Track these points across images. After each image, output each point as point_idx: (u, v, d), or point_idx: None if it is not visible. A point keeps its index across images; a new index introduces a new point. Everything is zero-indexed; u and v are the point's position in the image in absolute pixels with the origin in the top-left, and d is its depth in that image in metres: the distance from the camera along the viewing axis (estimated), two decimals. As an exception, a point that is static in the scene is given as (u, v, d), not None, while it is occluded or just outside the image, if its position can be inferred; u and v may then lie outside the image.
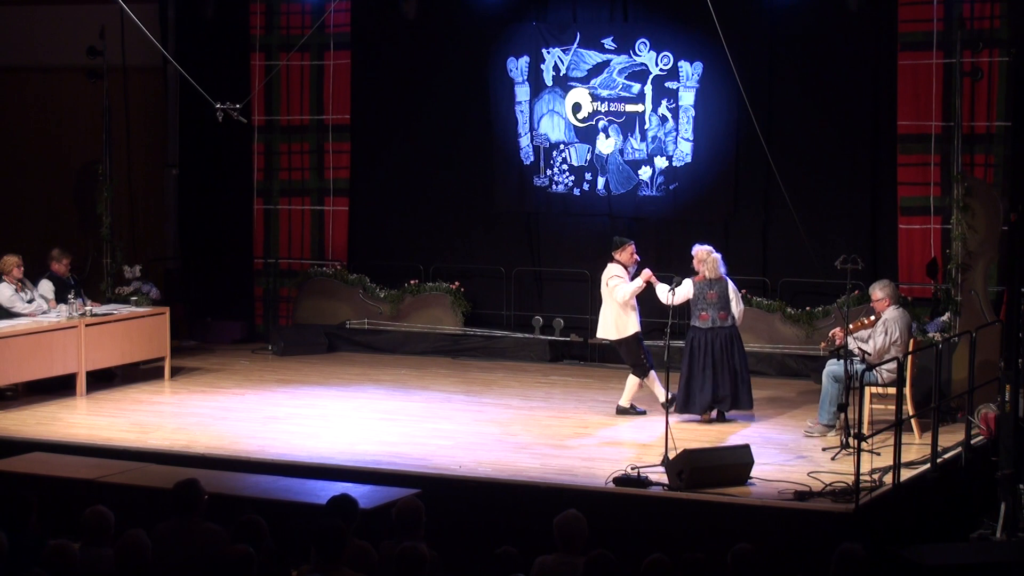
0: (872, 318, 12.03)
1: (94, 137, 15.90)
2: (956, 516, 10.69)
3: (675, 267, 14.36)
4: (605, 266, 13.07)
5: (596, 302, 15.60)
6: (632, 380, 12.83)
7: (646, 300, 15.81)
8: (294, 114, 16.96)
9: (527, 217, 16.28)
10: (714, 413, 12.47)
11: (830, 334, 12.25)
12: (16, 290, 13.68)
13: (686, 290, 12.41)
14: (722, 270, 12.55)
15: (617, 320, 12.84)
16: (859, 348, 11.71)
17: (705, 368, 12.34)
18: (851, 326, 11.76)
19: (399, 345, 16.16)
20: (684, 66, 15.40)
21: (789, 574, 8.60)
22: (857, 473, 9.62)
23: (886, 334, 11.78)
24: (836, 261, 11.84)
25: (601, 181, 15.82)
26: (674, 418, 11.68)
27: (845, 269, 11.59)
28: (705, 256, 12.56)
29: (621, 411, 12.85)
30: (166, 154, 17.65)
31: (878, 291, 12.06)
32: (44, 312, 13.64)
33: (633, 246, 12.99)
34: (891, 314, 11.89)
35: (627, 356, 12.88)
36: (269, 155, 17.09)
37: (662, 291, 12.55)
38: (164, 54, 15.67)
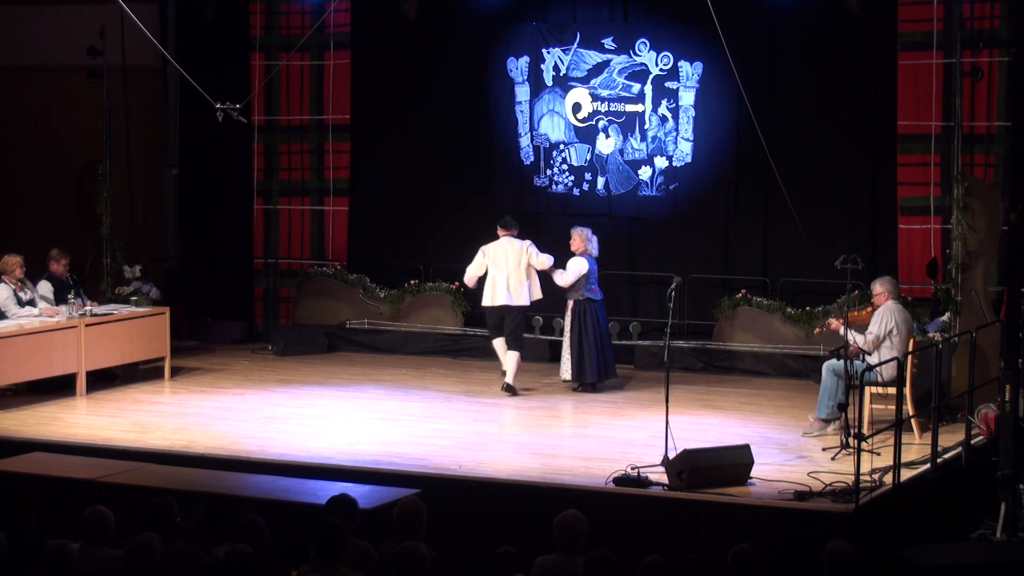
0: (870, 310, 12.08)
1: (94, 137, 15.88)
2: (956, 516, 10.69)
3: (675, 267, 14.39)
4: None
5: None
6: (514, 355, 13.78)
7: (647, 302, 15.88)
8: (294, 114, 16.96)
9: (527, 217, 16.23)
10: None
11: (827, 322, 12.32)
12: (16, 291, 13.67)
13: (584, 267, 13.66)
14: (597, 250, 13.89)
15: (522, 287, 13.81)
16: (854, 341, 11.72)
17: (603, 336, 13.76)
18: (849, 315, 11.81)
19: (399, 345, 16.16)
20: (684, 66, 15.40)
21: (789, 574, 8.60)
22: (857, 473, 9.62)
23: (882, 324, 11.79)
24: (836, 261, 11.85)
25: (601, 181, 15.82)
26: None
27: (845, 269, 11.59)
28: (589, 236, 13.85)
29: (508, 389, 13.75)
30: (166, 154, 17.65)
31: (878, 286, 12.09)
32: (36, 316, 13.60)
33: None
34: (889, 306, 11.90)
35: (515, 324, 13.85)
36: (269, 155, 17.09)
37: (559, 275, 13.85)
38: (164, 54, 15.66)
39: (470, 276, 14.02)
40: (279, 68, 16.44)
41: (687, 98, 15.43)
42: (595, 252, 13.88)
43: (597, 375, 13.76)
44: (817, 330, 13.00)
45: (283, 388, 14.11)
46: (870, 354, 11.82)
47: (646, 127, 15.60)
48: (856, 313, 12.13)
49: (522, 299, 13.79)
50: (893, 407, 10.62)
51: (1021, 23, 13.96)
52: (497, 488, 10.30)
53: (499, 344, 13.96)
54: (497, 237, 13.93)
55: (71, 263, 14.42)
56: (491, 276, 13.82)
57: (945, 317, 13.19)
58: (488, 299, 13.84)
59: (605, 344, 13.81)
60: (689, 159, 15.50)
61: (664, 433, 10.56)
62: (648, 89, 15.55)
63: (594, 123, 15.82)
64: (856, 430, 10.32)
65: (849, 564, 7.10)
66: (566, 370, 13.88)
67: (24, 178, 17.98)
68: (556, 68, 15.91)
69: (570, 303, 13.87)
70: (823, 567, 7.16)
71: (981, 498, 10.70)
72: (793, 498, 9.81)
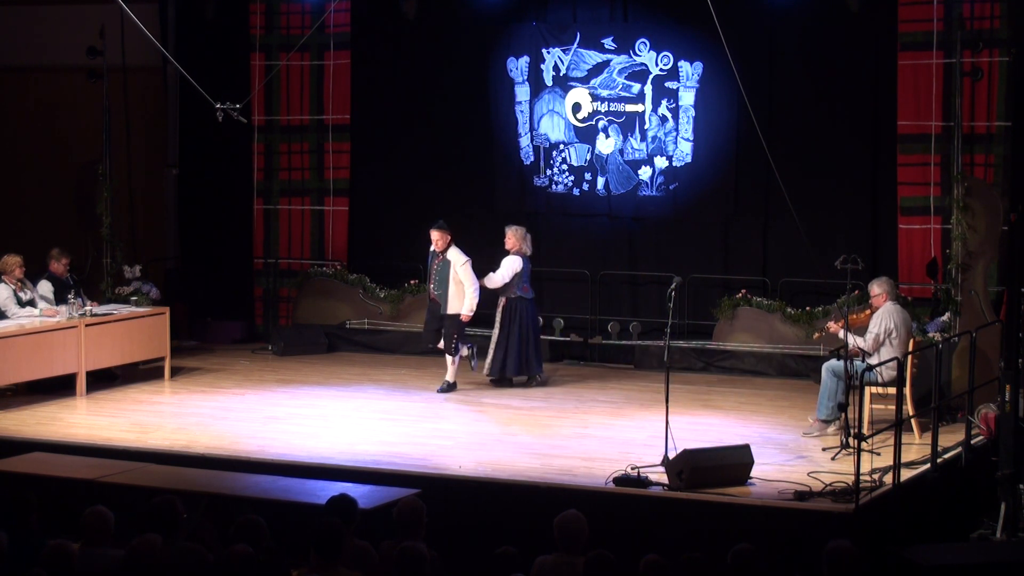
0: (868, 312, 12.08)
1: (94, 137, 15.90)
2: (956, 516, 10.70)
3: (675, 267, 14.40)
4: (517, 263, 14.07)
5: (596, 302, 15.68)
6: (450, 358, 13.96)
7: (648, 302, 15.87)
8: (294, 114, 16.96)
9: (527, 217, 16.24)
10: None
11: (825, 326, 12.32)
12: (15, 291, 13.68)
13: (518, 265, 13.89)
14: (531, 249, 14.13)
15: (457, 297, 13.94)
16: (855, 344, 11.72)
17: (531, 334, 14.01)
18: (849, 317, 11.81)
19: (399, 345, 16.16)
20: (684, 66, 15.40)
21: (788, 574, 8.60)
22: (857, 473, 9.63)
23: (881, 324, 11.79)
24: (836, 261, 11.84)
25: (601, 181, 15.82)
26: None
27: (845, 269, 11.59)
28: (524, 235, 14.06)
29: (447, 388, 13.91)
30: (166, 154, 17.65)
31: (875, 287, 12.10)
32: (36, 316, 13.60)
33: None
34: (888, 308, 11.91)
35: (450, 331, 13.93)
36: (269, 155, 17.08)
37: (489, 279, 13.99)
38: (164, 54, 15.67)
39: None
40: (279, 68, 16.44)
41: (687, 98, 15.43)
42: (529, 251, 14.07)
43: (517, 371, 14.02)
44: (816, 335, 12.98)
45: (283, 388, 14.11)
46: (870, 355, 11.82)
47: (646, 127, 15.60)
48: (855, 316, 12.14)
49: (453, 307, 13.99)
50: (893, 407, 10.62)
51: (1021, 23, 13.96)
52: (497, 488, 10.30)
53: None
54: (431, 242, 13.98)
55: (71, 263, 14.43)
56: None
57: (945, 317, 13.19)
58: (468, 307, 13.83)
59: (531, 342, 14.04)
60: (689, 159, 15.50)
61: (664, 433, 10.57)
62: (648, 89, 15.55)
63: (594, 123, 15.81)
64: (856, 430, 10.32)
65: (849, 564, 7.10)
66: (488, 365, 14.07)
67: (24, 178, 17.98)
68: (556, 68, 15.91)
69: (502, 300, 14.03)
70: (823, 566, 7.15)
71: (981, 498, 10.71)
72: (793, 498, 9.81)
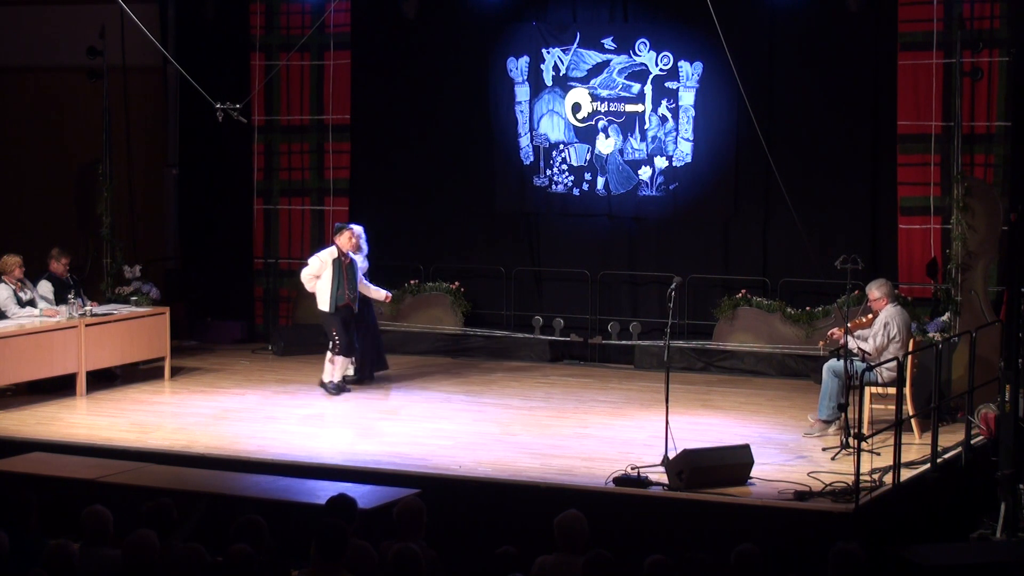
0: (870, 316, 12.06)
1: (94, 137, 15.90)
2: (956, 516, 10.70)
3: (675, 267, 14.38)
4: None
5: (596, 302, 15.68)
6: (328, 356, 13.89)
7: (648, 302, 15.86)
8: (294, 114, 16.95)
9: (527, 217, 16.27)
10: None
11: (828, 333, 12.30)
12: (15, 291, 13.68)
13: (366, 264, 14.16)
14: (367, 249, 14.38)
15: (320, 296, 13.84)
16: (859, 348, 11.72)
17: (378, 331, 14.46)
18: (849, 324, 11.78)
19: (399, 345, 16.14)
20: (684, 66, 15.39)
21: (789, 574, 8.60)
22: (857, 473, 9.63)
23: (885, 332, 11.79)
24: (836, 261, 11.84)
25: (601, 181, 15.81)
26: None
27: (845, 269, 11.59)
28: (362, 234, 14.19)
29: (321, 384, 13.83)
30: (166, 154, 17.64)
31: (875, 290, 12.08)
32: (36, 316, 13.60)
33: (352, 231, 13.92)
34: (889, 312, 11.90)
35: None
36: (269, 155, 17.08)
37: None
38: (164, 54, 15.66)
39: None
40: (279, 68, 16.43)
41: (687, 98, 15.42)
42: (366, 250, 14.30)
43: (381, 367, 14.33)
44: (821, 343, 12.97)
45: (283, 388, 14.11)
46: (873, 358, 11.81)
47: (646, 127, 15.59)
48: (857, 321, 12.10)
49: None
50: (893, 407, 10.62)
51: (1021, 23, 13.95)
52: (497, 488, 10.30)
53: None
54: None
55: (71, 263, 14.43)
56: None
57: (945, 317, 13.19)
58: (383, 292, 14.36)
59: (379, 338, 14.46)
60: (689, 159, 15.49)
61: (664, 433, 10.57)
62: (648, 89, 15.54)
63: (594, 123, 15.81)
64: (856, 430, 10.32)
65: (855, 566, 7.07)
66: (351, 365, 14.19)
67: (24, 178, 17.98)
68: (556, 68, 15.90)
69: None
70: (828, 568, 7.13)
71: (981, 498, 10.71)
72: (793, 498, 9.82)
